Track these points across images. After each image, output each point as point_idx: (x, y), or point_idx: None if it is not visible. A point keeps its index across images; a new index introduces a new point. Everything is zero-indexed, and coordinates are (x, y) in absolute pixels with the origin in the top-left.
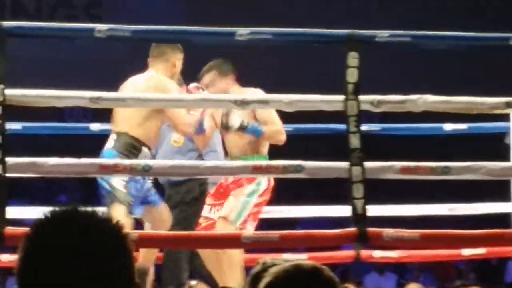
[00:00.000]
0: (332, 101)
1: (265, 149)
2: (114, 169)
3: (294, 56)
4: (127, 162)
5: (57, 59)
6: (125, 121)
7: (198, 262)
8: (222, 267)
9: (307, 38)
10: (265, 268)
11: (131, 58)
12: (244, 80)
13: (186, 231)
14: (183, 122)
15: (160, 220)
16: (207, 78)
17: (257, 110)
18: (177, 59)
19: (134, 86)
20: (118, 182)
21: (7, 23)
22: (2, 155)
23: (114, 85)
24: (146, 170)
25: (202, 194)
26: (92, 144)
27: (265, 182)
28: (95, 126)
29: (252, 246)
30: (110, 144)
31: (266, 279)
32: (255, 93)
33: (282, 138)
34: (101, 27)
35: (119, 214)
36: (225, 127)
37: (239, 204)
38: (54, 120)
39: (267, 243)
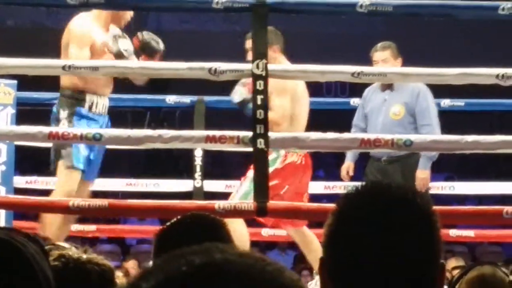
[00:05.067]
0: None
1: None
2: (376, 144)
3: None
4: (389, 136)
5: (320, 33)
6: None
7: None
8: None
9: None
10: None
11: (391, 35)
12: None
13: None
14: None
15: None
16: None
17: (272, 95)
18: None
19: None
20: None
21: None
22: (264, 129)
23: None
24: (407, 145)
25: None
26: (351, 119)
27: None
28: (356, 101)
29: None
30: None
31: None
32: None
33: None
34: (363, 2)
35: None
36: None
37: (242, 189)
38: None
39: None
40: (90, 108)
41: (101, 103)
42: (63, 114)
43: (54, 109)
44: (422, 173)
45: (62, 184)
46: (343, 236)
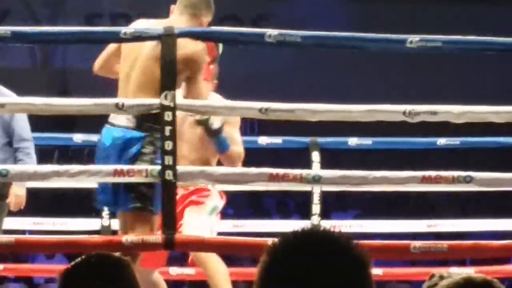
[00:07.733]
0: (501, 112)
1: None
2: (284, 178)
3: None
4: (297, 171)
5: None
6: (142, 91)
7: None
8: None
9: (478, 46)
10: (438, 282)
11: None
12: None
13: None
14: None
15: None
16: None
17: (225, 127)
18: (206, 21)
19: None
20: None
21: (178, 28)
22: (173, 161)
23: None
24: (316, 180)
25: None
26: (258, 157)
27: (220, 199)
28: (263, 140)
29: (421, 256)
30: (120, 121)
31: None
32: (217, 99)
33: (239, 163)
34: (271, 32)
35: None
36: (203, 124)
37: (204, 225)
38: None
39: (436, 253)
40: None
41: None
42: (148, 149)
43: (134, 149)
44: (20, 191)
45: None
46: (276, 273)
